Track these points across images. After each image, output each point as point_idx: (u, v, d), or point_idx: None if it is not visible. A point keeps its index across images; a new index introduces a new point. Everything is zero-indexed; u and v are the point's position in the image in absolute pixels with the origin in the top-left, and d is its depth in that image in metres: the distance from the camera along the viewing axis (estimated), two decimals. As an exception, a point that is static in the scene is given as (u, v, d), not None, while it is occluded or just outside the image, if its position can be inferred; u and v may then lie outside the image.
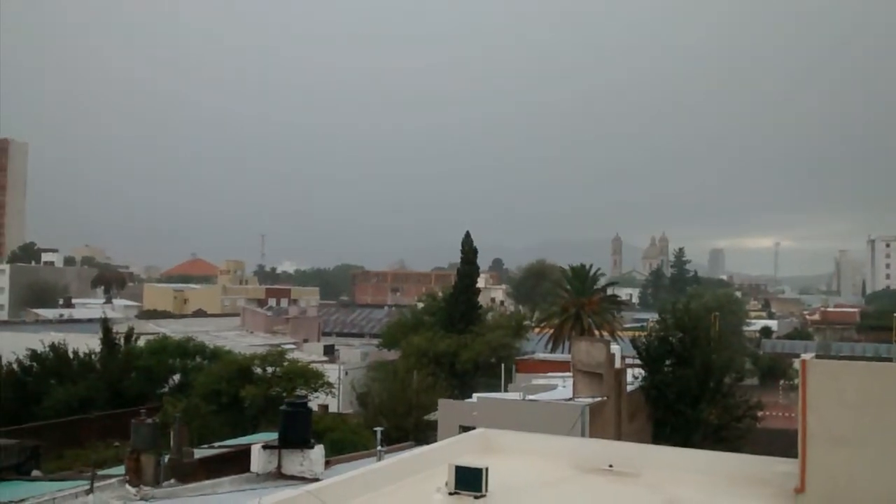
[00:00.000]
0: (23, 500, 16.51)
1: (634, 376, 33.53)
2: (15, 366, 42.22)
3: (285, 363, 40.64)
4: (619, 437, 26.24)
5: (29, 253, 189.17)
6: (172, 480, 18.78)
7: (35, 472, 24.13)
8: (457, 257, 60.48)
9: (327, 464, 20.19)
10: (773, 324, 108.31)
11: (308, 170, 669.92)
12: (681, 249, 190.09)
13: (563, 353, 47.82)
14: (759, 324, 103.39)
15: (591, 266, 58.72)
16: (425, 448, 16.93)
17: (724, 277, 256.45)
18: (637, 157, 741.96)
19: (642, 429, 31.53)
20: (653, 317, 56.23)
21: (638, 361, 34.98)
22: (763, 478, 12.44)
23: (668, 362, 34.09)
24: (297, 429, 19.91)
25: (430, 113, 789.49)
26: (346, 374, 53.97)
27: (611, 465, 15.00)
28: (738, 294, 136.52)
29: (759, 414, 36.37)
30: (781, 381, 59.79)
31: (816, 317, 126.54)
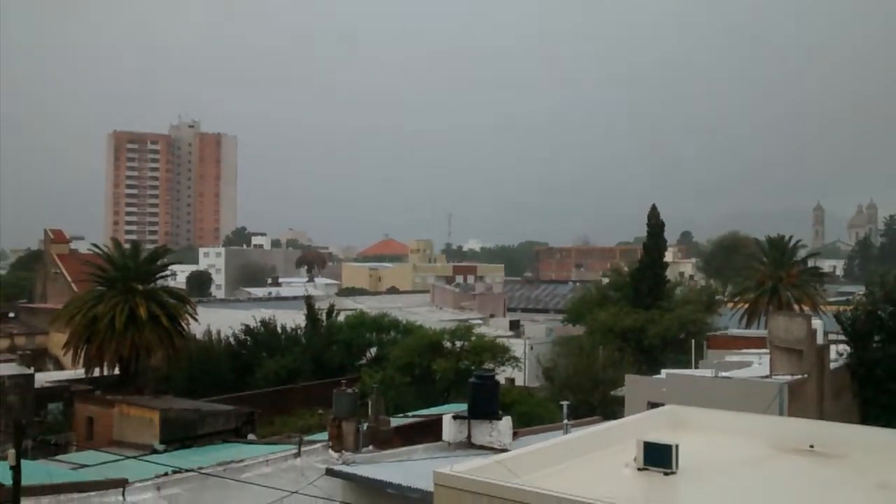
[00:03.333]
0: (241, 460, 18.25)
1: (839, 353, 31.42)
2: (231, 340, 46.37)
3: (473, 338, 41.68)
4: (820, 417, 24.78)
5: (241, 237, 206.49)
6: (370, 447, 19.98)
7: (251, 436, 26.54)
8: (642, 231, 58.85)
9: (515, 435, 20.63)
10: None
11: (491, 150, 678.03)
12: (892, 216, 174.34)
13: (758, 328, 45.51)
14: None
15: (789, 237, 55.22)
16: (613, 423, 16.92)
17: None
18: (831, 120, 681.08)
19: (848, 409, 29.54)
20: (859, 290, 52.07)
21: (843, 337, 32.72)
22: None
23: (876, 338, 31.67)
24: (486, 401, 20.49)
25: (612, 86, 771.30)
26: (532, 348, 54.39)
27: (812, 446, 14.26)
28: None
29: None
30: None
31: None
